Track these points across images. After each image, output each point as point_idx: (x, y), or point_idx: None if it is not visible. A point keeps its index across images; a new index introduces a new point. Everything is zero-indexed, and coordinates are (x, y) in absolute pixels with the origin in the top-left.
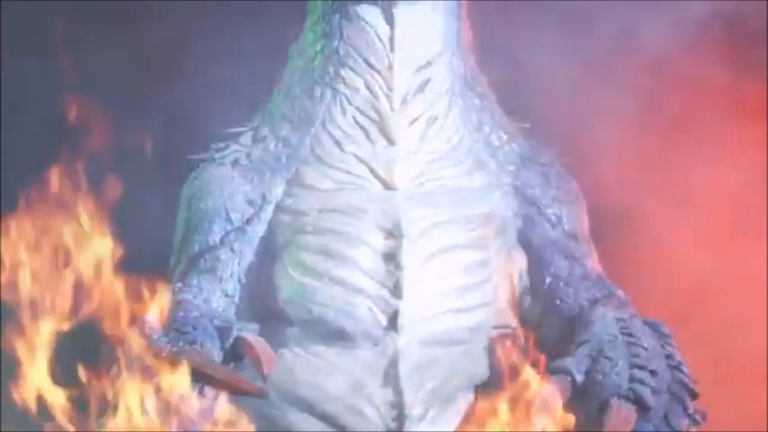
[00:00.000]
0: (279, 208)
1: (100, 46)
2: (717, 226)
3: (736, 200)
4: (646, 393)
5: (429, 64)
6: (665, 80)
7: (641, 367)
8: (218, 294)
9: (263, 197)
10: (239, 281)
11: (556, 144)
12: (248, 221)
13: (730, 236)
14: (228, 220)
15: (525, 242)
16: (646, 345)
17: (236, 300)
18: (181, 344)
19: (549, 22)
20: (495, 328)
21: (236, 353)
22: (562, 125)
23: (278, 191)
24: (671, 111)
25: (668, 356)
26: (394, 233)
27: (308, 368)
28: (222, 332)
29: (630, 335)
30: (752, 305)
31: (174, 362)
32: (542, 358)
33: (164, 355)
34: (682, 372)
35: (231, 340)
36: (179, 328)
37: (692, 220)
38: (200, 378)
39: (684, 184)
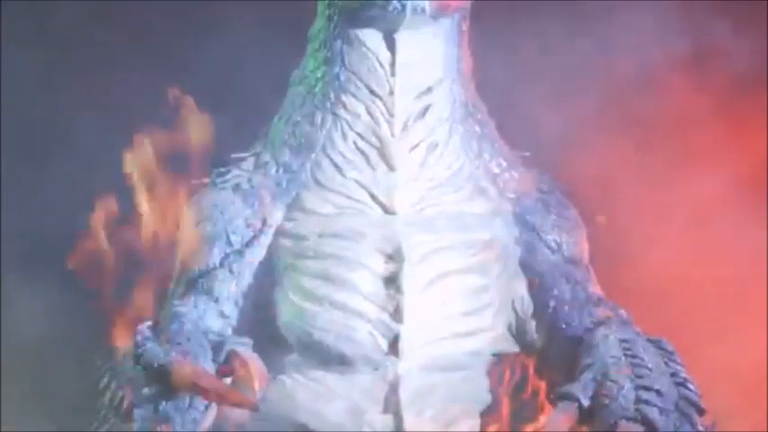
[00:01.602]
0: (279, 232)
1: None
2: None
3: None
4: (653, 414)
5: (430, 90)
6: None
7: (647, 388)
8: (214, 314)
9: (264, 221)
10: (236, 303)
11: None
12: (247, 245)
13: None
14: (229, 243)
15: (527, 268)
16: (650, 365)
17: (234, 323)
18: (174, 354)
19: (530, 30)
20: (494, 354)
21: (228, 367)
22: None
23: (278, 215)
24: (658, 123)
25: (673, 374)
26: (394, 257)
27: (307, 394)
28: (216, 346)
29: (634, 356)
30: (743, 317)
31: (167, 373)
32: (543, 385)
33: (156, 365)
34: (688, 388)
35: (225, 354)
36: (172, 340)
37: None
38: (193, 389)
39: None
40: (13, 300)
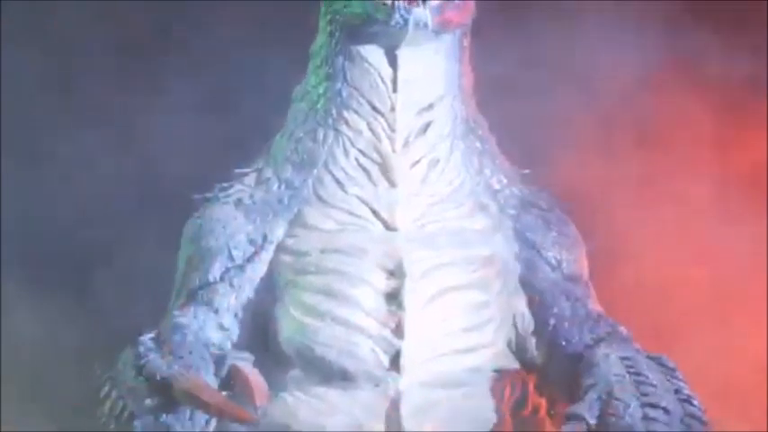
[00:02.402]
0: (280, 248)
1: None
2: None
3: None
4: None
5: (431, 106)
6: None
7: (653, 405)
8: (214, 326)
9: (265, 237)
10: (235, 316)
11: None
12: (249, 260)
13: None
14: (230, 257)
15: (527, 285)
16: (654, 382)
17: (234, 337)
18: (176, 367)
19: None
20: (494, 371)
21: (230, 382)
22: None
23: (279, 231)
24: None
25: (677, 390)
26: (396, 273)
27: (308, 410)
28: (217, 360)
29: (638, 373)
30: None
31: (168, 385)
32: (543, 402)
33: (159, 377)
34: (693, 404)
35: (226, 369)
36: (175, 352)
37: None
38: (194, 402)
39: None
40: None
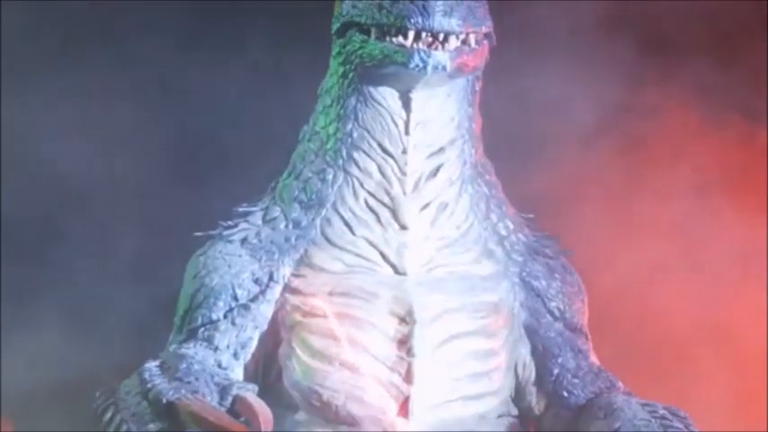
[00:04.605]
0: (287, 289)
1: None
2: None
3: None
4: None
5: (442, 150)
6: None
7: None
8: (212, 363)
9: (271, 276)
10: (234, 355)
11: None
12: (253, 299)
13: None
14: (234, 297)
15: (531, 333)
16: (680, 425)
17: (232, 376)
18: (183, 391)
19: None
20: (499, 417)
21: (234, 411)
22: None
23: (286, 271)
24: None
25: None
26: (406, 319)
27: None
28: (222, 390)
29: (663, 417)
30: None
31: (173, 409)
32: None
33: (164, 401)
34: None
35: (231, 398)
36: (182, 378)
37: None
38: (201, 424)
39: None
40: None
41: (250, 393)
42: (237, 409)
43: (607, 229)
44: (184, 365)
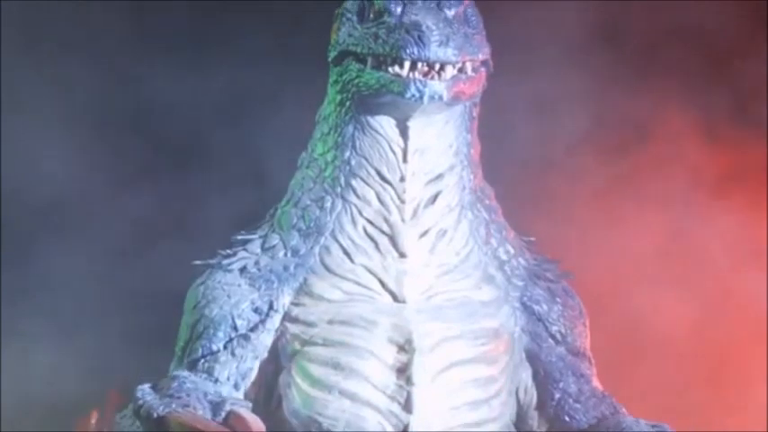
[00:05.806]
0: (286, 317)
1: None
2: None
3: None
4: None
5: (440, 177)
6: None
7: None
8: (213, 396)
9: (270, 305)
10: (235, 386)
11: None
12: (253, 329)
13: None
14: (234, 327)
15: (533, 357)
16: None
17: None
18: (174, 405)
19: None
20: None
21: (228, 426)
22: None
23: (285, 300)
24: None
25: None
26: (405, 347)
27: None
28: (215, 406)
29: None
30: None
31: (165, 424)
32: None
33: (155, 416)
34: None
35: (224, 414)
36: (173, 394)
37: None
38: None
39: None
40: None
41: (243, 409)
42: (231, 423)
43: (598, 229)
44: (176, 384)
